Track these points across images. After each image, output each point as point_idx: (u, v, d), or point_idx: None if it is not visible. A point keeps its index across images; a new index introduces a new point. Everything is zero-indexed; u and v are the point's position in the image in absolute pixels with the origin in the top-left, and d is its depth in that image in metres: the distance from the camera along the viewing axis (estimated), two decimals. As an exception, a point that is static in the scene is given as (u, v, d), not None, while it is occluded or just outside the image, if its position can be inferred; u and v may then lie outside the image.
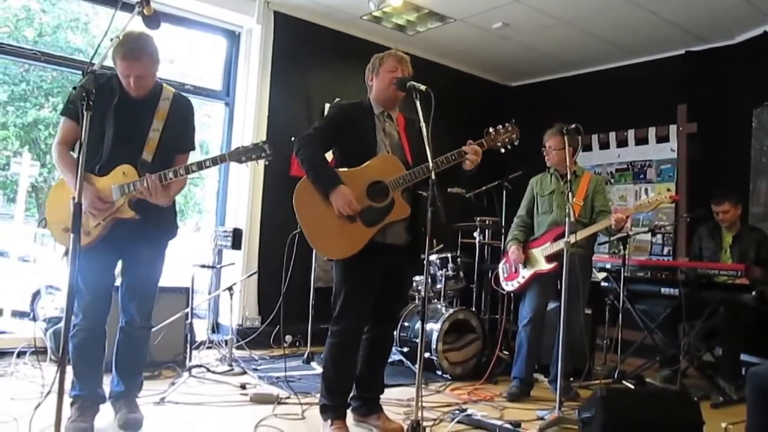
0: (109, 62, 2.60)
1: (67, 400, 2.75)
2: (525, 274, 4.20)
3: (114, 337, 3.01)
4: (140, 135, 2.84)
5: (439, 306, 4.80)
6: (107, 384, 3.03)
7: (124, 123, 2.81)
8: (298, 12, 5.85)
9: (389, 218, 3.03)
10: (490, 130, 3.17)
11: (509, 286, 4.35)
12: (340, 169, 3.07)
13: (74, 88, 2.18)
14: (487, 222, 5.37)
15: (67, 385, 2.75)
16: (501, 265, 4.44)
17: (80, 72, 2.10)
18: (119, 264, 3.00)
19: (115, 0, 2.44)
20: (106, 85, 2.76)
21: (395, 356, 4.76)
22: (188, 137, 3.04)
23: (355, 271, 3.04)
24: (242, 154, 2.87)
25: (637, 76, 6.45)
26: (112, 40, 2.44)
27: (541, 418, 3.56)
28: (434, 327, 4.53)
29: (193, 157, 3.06)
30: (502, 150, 3.19)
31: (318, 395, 3.27)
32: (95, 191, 2.74)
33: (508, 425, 3.31)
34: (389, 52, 3.23)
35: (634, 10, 5.31)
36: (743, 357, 4.57)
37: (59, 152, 2.84)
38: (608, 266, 4.83)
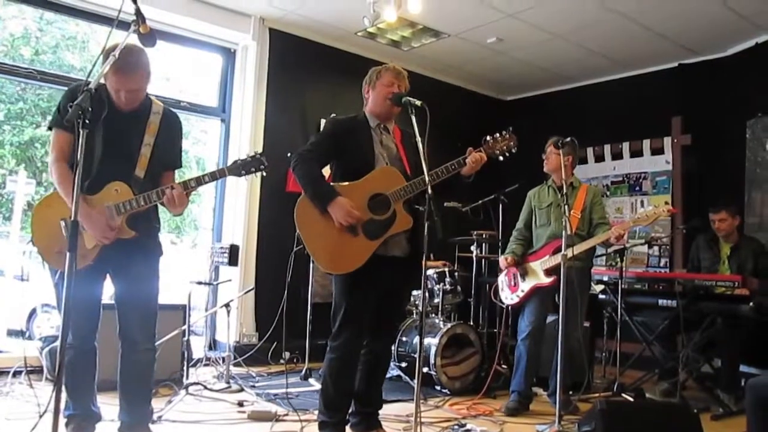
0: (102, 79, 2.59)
1: (62, 421, 2.71)
2: (524, 287, 4.19)
3: (112, 361, 2.91)
4: (131, 150, 2.76)
5: (437, 320, 4.78)
6: (103, 403, 3.00)
7: (114, 137, 2.72)
8: (294, 29, 5.89)
9: (392, 230, 3.03)
10: (488, 138, 3.18)
11: (509, 300, 4.34)
12: (340, 184, 3.08)
13: (69, 104, 2.14)
14: (484, 236, 5.37)
15: (62, 405, 2.71)
16: (500, 278, 4.43)
17: (67, 86, 2.02)
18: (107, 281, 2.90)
19: (111, 19, 2.43)
20: (94, 97, 2.49)
21: (393, 371, 4.74)
22: (177, 154, 2.98)
23: (355, 286, 3.04)
24: (241, 168, 2.84)
25: (631, 89, 6.49)
26: (107, 56, 2.39)
27: (541, 433, 3.55)
28: (432, 341, 4.51)
29: (188, 174, 3.02)
30: (501, 158, 3.20)
31: (316, 412, 3.25)
32: (102, 219, 2.64)
33: (507, 440, 3.30)
34: (386, 65, 3.25)
35: (627, 24, 5.36)
36: (742, 368, 4.56)
37: (60, 169, 2.67)
38: (605, 278, 4.83)
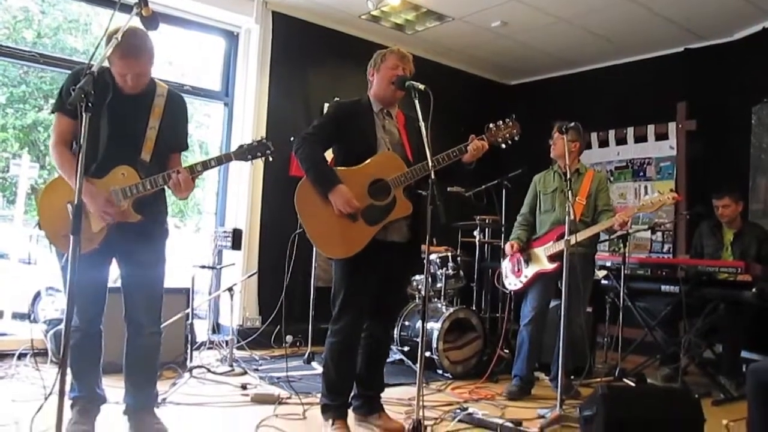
0: (106, 62, 2.58)
1: (67, 403, 2.73)
2: (528, 273, 4.20)
3: (117, 344, 2.92)
4: (136, 133, 2.74)
5: (440, 305, 4.80)
6: (108, 385, 3.01)
7: (120, 121, 2.71)
8: (297, 12, 5.85)
9: (391, 216, 3.03)
10: (491, 125, 3.17)
11: (512, 285, 4.34)
12: (341, 168, 3.07)
13: (72, 87, 2.14)
14: (487, 221, 5.36)
15: (67, 387, 2.71)
16: (504, 264, 4.43)
17: (69, 70, 1.99)
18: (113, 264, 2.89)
19: (113, 1, 2.41)
20: (98, 80, 2.48)
21: (396, 355, 4.76)
22: (183, 136, 2.97)
23: (355, 270, 3.04)
24: (248, 152, 2.83)
25: (636, 73, 6.45)
26: (110, 40, 2.38)
27: (543, 417, 3.56)
28: (435, 326, 4.53)
29: (191, 157, 3.01)
30: (503, 146, 3.19)
31: (319, 395, 3.27)
32: (103, 194, 2.65)
33: (509, 424, 3.31)
34: (392, 48, 3.22)
35: (633, 7, 5.31)
36: (744, 354, 4.57)
37: (60, 153, 2.69)
38: (608, 264, 4.83)
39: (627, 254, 4.54)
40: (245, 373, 4.34)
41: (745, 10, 5.21)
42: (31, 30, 8.08)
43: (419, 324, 3.71)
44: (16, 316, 6.32)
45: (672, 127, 6.16)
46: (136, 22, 2.43)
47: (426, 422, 2.83)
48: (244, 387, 3.91)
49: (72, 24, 8.44)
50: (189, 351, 4.30)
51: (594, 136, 6.70)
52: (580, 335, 4.00)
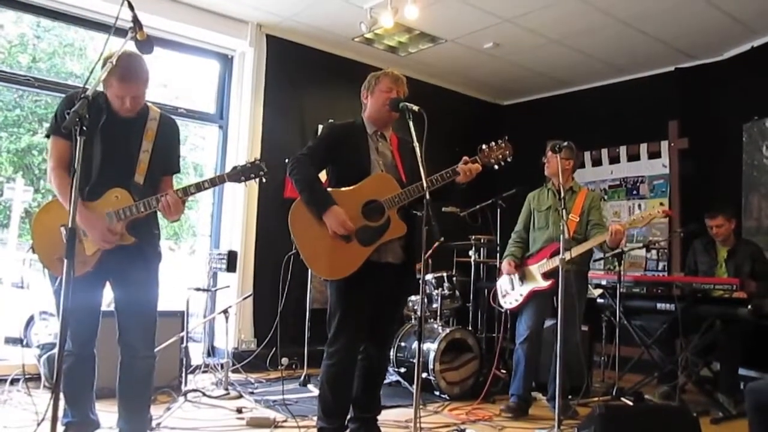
0: (100, 86, 2.59)
1: (60, 428, 2.70)
2: (522, 291, 4.19)
3: (111, 369, 2.88)
4: (129, 156, 2.76)
5: (436, 325, 4.78)
6: (101, 410, 2.99)
7: (113, 144, 2.72)
8: (290, 35, 5.90)
9: (386, 237, 3.04)
10: (483, 147, 3.18)
11: (507, 304, 4.34)
12: (335, 189, 3.08)
13: (66, 111, 2.14)
14: (481, 240, 5.37)
15: (60, 413, 2.68)
16: (499, 282, 4.43)
17: (64, 93, 2.00)
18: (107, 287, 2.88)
19: (108, 26, 2.43)
20: (93, 104, 2.43)
21: (392, 377, 4.73)
22: (175, 159, 2.99)
23: (350, 292, 3.03)
24: (241, 174, 2.84)
25: (628, 93, 6.51)
26: (104, 65, 2.41)
27: (541, 437, 3.54)
28: (431, 347, 4.51)
29: (185, 180, 3.02)
30: (496, 167, 3.20)
31: (315, 418, 3.24)
32: (104, 223, 2.65)
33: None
34: (385, 71, 3.25)
35: (624, 28, 5.38)
36: (741, 371, 4.56)
37: (60, 177, 2.68)
38: (604, 282, 4.83)
39: (622, 272, 4.55)
40: (241, 396, 4.30)
41: (733, 29, 5.28)
42: (26, 54, 8.12)
43: (415, 345, 3.69)
44: (9, 340, 6.27)
45: (664, 145, 6.21)
46: (131, 46, 2.44)
47: (423, 444, 2.81)
48: (239, 411, 3.88)
49: (67, 48, 8.50)
50: (183, 374, 4.27)
51: (587, 155, 6.75)
52: (577, 354, 3.99)
